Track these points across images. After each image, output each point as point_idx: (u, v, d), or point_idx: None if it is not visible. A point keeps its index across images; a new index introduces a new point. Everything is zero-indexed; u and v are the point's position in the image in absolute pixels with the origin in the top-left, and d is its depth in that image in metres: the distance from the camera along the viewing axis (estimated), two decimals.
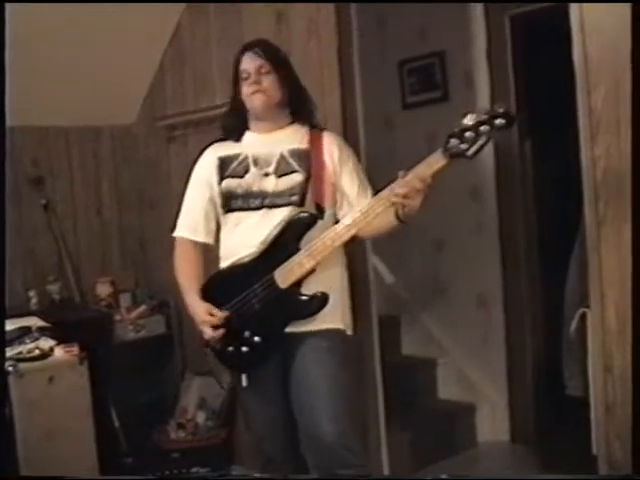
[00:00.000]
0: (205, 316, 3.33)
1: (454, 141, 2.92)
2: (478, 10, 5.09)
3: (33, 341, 4.18)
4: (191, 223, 3.54)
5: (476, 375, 5.34)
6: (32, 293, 5.00)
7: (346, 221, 3.15)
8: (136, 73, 5.30)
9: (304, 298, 3.23)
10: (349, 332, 3.40)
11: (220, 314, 3.31)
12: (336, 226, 3.17)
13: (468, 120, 2.91)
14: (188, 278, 3.48)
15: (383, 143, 5.27)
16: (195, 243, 3.53)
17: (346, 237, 3.15)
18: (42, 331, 4.27)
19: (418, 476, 4.63)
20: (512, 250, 5.11)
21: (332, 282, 3.32)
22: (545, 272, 5.17)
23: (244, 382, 3.39)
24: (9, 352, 4.10)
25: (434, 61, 5.38)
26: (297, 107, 3.43)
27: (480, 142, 2.90)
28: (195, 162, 3.56)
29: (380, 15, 5.49)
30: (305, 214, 3.23)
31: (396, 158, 5.27)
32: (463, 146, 2.91)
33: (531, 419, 5.15)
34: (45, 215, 5.11)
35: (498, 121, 2.87)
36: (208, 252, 3.54)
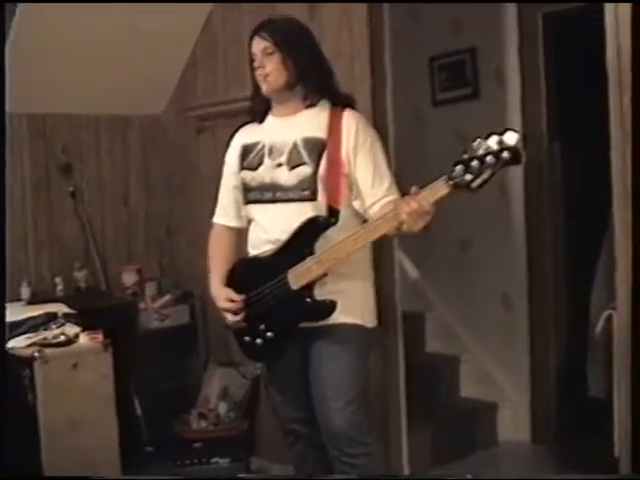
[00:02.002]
0: (224, 302, 3.37)
1: (459, 169, 2.82)
2: (511, 8, 5.06)
3: (59, 327, 4.22)
4: (222, 208, 3.59)
5: (499, 374, 5.32)
6: (58, 279, 5.03)
7: (353, 237, 3.11)
8: (167, 64, 5.31)
9: (312, 303, 3.21)
10: (369, 325, 3.38)
11: (238, 300, 3.33)
12: (344, 239, 3.11)
13: (476, 146, 2.80)
14: (215, 261, 3.52)
15: (412, 139, 5.25)
16: (227, 227, 3.56)
17: (352, 251, 3.11)
18: (68, 317, 4.30)
19: (438, 473, 4.63)
20: (538, 250, 5.09)
21: (352, 281, 3.30)
22: (571, 273, 5.15)
23: (258, 371, 3.49)
24: (34, 337, 4.14)
25: (465, 58, 5.36)
26: (312, 86, 3.34)
27: (484, 176, 2.80)
28: (226, 148, 3.57)
29: (412, 10, 5.46)
30: (320, 218, 3.20)
31: (425, 154, 5.27)
32: (467, 177, 2.81)
33: (552, 420, 5.13)
34: (73, 202, 5.15)
35: (505, 154, 2.76)
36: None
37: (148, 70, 5.13)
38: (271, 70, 3.28)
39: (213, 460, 4.56)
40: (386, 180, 3.29)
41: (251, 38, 3.36)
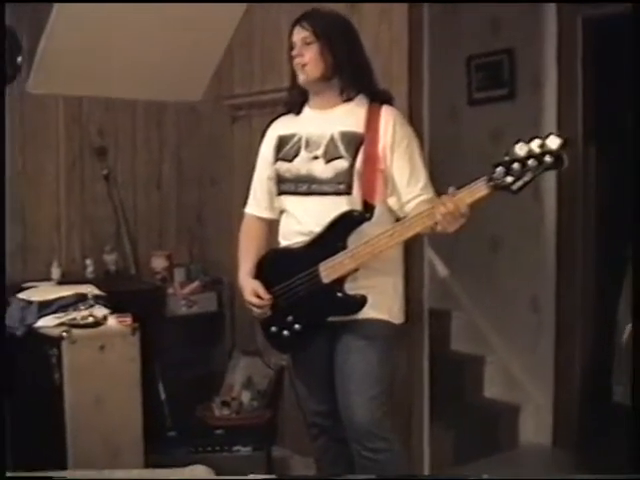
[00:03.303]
0: (250, 296, 3.38)
1: (500, 171, 2.84)
2: (550, 11, 5.05)
3: (87, 308, 4.24)
4: (255, 199, 3.58)
5: (523, 376, 5.31)
6: (89, 261, 5.06)
7: (389, 233, 3.11)
8: (205, 52, 5.33)
9: (343, 297, 3.21)
10: (396, 322, 3.38)
11: (265, 297, 3.34)
12: (379, 235, 3.11)
13: (519, 149, 2.82)
14: (245, 252, 3.53)
15: (447, 137, 5.24)
16: (259, 218, 3.57)
17: (386, 248, 3.12)
18: (97, 299, 4.33)
19: (458, 473, 4.63)
20: (569, 255, 5.08)
21: (383, 277, 3.30)
22: (600, 279, 5.13)
23: (283, 361, 3.47)
24: (63, 317, 4.17)
25: (503, 59, 5.36)
26: (349, 80, 3.33)
27: (525, 178, 2.82)
28: (261, 138, 3.58)
29: (452, 8, 5.45)
30: (355, 213, 3.20)
31: (460, 153, 5.26)
32: (508, 179, 2.84)
33: (575, 424, 5.12)
34: (106, 185, 5.17)
35: (547, 158, 2.78)
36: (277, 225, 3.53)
37: (186, 57, 5.15)
38: (309, 60, 3.29)
39: (235, 448, 4.57)
40: (422, 179, 3.28)
41: (292, 27, 3.37)
